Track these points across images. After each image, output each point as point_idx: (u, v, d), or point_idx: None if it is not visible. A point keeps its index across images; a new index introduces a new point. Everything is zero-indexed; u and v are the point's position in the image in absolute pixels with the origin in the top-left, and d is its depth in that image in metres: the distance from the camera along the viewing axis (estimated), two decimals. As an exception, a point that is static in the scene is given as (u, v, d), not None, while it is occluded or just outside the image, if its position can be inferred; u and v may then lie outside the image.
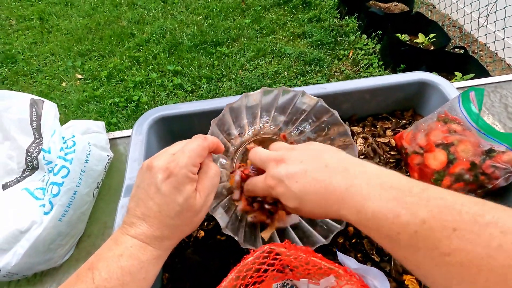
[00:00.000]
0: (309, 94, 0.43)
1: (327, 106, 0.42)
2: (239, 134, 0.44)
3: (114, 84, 1.86)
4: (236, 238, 0.36)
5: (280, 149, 0.33)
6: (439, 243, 0.21)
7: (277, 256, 0.30)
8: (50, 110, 0.52)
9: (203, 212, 0.29)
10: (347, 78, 1.81)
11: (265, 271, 0.30)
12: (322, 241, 0.37)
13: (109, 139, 0.62)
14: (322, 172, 0.28)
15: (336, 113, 0.42)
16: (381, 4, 2.06)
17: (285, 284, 0.32)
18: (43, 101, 0.53)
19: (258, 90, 0.42)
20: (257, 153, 0.34)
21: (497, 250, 0.19)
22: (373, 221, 0.24)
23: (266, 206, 0.38)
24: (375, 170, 0.27)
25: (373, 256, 0.41)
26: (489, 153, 0.40)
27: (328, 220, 0.39)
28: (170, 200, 0.27)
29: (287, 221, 0.40)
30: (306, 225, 0.41)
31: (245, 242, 0.37)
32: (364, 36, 2.00)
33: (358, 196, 0.25)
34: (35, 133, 0.50)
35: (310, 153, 0.30)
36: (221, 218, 0.37)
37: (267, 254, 0.30)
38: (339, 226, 0.38)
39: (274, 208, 0.39)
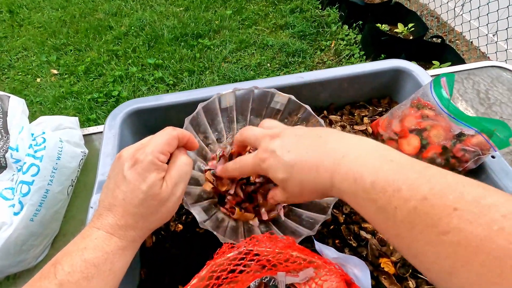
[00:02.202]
0: (279, 92, 0.43)
1: (299, 102, 0.43)
2: (217, 139, 0.44)
3: (92, 79, 1.80)
4: (215, 233, 0.36)
5: (274, 127, 0.32)
6: (438, 221, 0.20)
7: (255, 257, 0.29)
8: (17, 105, 0.50)
9: (172, 202, 0.29)
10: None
11: (241, 272, 0.29)
12: (308, 232, 0.37)
13: (84, 135, 0.60)
14: (316, 141, 0.27)
15: (309, 108, 0.42)
16: (362, -6, 2.07)
17: (263, 278, 0.31)
18: (9, 96, 0.50)
19: (230, 90, 0.42)
20: (251, 130, 0.33)
21: (498, 233, 0.18)
22: (370, 193, 0.23)
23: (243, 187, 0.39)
24: (374, 143, 0.26)
25: (350, 242, 0.41)
26: (459, 137, 0.41)
27: (312, 213, 0.40)
28: (134, 187, 0.27)
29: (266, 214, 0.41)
30: (289, 221, 0.40)
31: (225, 237, 0.37)
32: (346, 27, 2.01)
33: (356, 164, 0.24)
34: (2, 130, 0.48)
35: (306, 129, 0.30)
36: (199, 214, 0.37)
37: (244, 256, 0.29)
38: (324, 216, 0.38)
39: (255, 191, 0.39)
